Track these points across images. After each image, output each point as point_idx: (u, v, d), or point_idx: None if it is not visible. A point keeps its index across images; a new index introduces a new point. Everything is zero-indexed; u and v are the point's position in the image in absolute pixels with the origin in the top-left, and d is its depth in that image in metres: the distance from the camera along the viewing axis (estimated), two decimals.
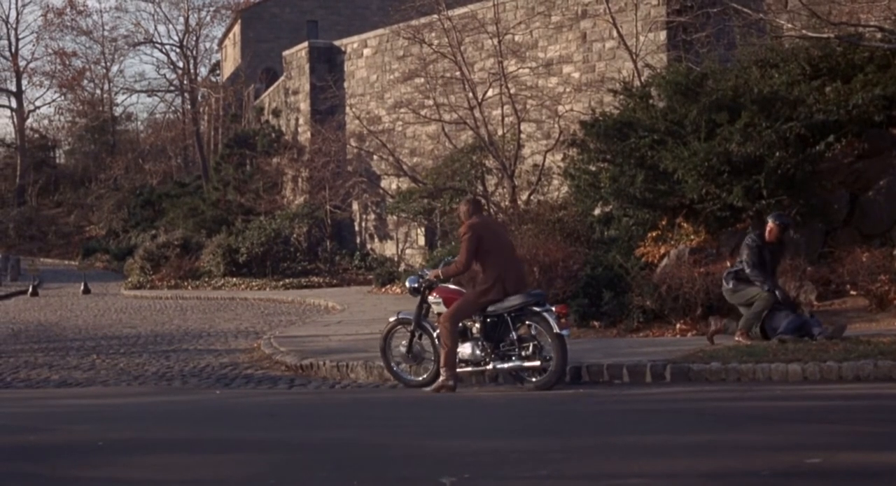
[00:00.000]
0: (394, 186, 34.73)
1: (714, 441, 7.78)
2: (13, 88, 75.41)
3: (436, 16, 28.22)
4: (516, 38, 29.18)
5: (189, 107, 63.17)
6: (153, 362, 16.80)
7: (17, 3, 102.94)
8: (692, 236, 16.87)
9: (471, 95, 26.42)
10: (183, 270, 37.77)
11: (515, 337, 11.79)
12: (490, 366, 11.92)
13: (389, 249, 36.38)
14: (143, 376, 15.22)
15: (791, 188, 16.17)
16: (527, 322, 11.80)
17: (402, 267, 32.98)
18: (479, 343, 11.91)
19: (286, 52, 42.17)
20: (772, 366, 11.57)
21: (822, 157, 16.31)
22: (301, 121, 40.35)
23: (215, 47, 71.44)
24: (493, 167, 28.39)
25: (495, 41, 26.98)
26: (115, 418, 10.55)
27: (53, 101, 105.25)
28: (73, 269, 49.49)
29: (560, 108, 27.28)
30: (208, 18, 68.59)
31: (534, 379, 11.79)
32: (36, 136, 75.31)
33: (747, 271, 13.46)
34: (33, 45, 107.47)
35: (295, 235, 37.30)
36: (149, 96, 72.35)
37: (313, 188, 37.88)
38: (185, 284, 36.75)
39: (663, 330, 15.47)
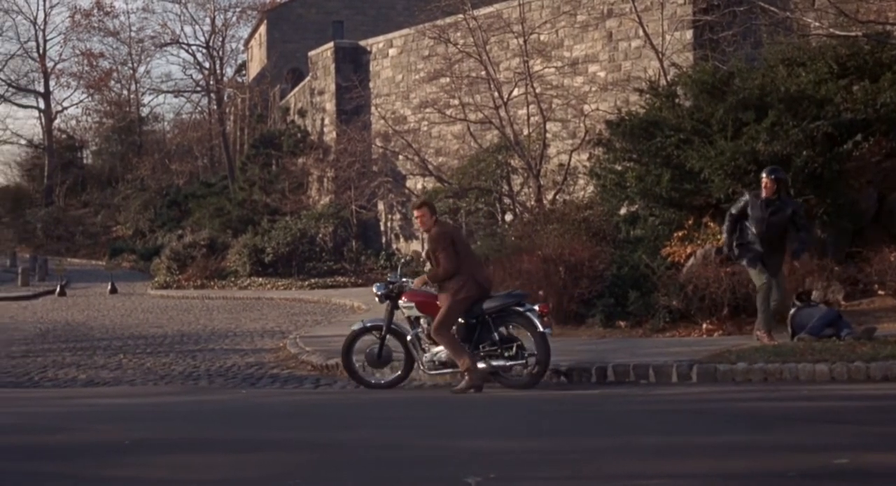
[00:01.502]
0: (419, 186, 34.74)
1: (740, 442, 7.74)
2: (41, 89, 75.96)
3: (461, 15, 28.18)
4: (542, 37, 29.13)
5: (215, 107, 63.30)
6: (179, 361, 16.86)
7: (44, 5, 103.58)
8: (719, 236, 16.77)
9: (496, 94, 26.38)
10: (209, 270, 37.91)
11: (499, 338, 11.98)
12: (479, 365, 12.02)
13: (415, 248, 36.37)
14: (169, 376, 15.28)
15: (818, 187, 16.06)
16: (510, 323, 12.12)
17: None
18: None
19: (312, 53, 42.23)
20: (799, 366, 11.51)
21: (849, 156, 16.18)
22: (327, 121, 40.39)
23: (241, 48, 71.70)
24: (519, 167, 28.35)
25: (521, 41, 26.93)
26: (141, 417, 10.59)
27: (81, 101, 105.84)
28: (101, 269, 49.73)
29: (586, 107, 27.23)
30: (234, 19, 68.92)
31: (513, 379, 12.06)
32: (63, 136, 75.69)
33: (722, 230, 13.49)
34: (61, 47, 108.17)
35: (320, 235, 37.37)
36: (175, 97, 72.72)
37: (339, 188, 37.92)
38: (212, 284, 36.87)
39: (689, 330, 15.41)
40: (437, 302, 12.02)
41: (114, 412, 11.11)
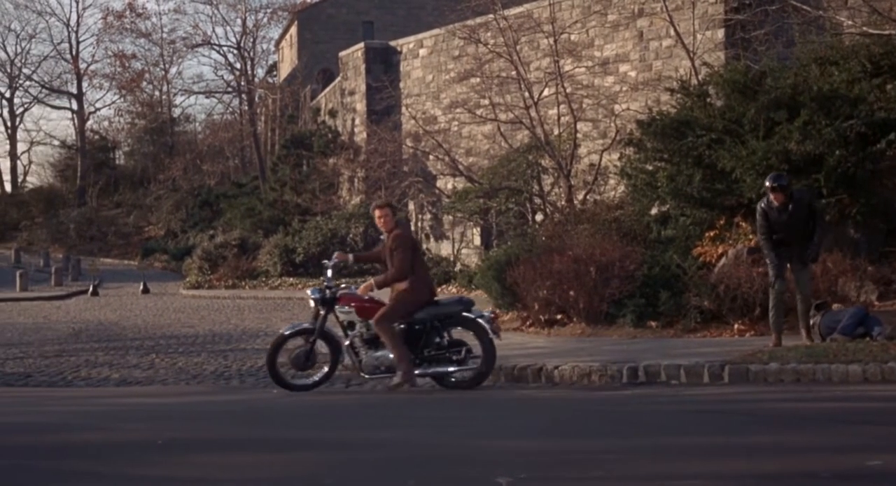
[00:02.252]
0: (449, 186, 34.74)
1: (772, 443, 7.70)
2: (74, 90, 76.47)
3: (491, 15, 28.16)
4: (572, 37, 29.08)
5: (246, 108, 63.54)
6: (211, 361, 16.93)
7: (77, 7, 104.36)
8: (750, 236, 16.69)
9: (527, 94, 26.35)
10: (240, 270, 38.02)
11: (447, 342, 12.22)
12: (417, 371, 12.15)
13: (445, 248, 36.38)
14: (201, 375, 15.34)
15: (851, 187, 15.97)
16: (455, 328, 12.34)
17: (458, 267, 32.98)
18: None
19: (342, 53, 42.32)
20: (831, 367, 11.44)
21: (882, 155, 16.08)
22: (357, 121, 40.46)
23: (272, 48, 71.89)
24: (549, 167, 28.31)
25: (551, 40, 26.89)
26: (173, 416, 10.64)
27: (113, 103, 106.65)
28: (133, 269, 50.01)
29: (616, 107, 27.16)
30: (265, 20, 68.78)
31: (453, 379, 12.28)
32: (96, 137, 76.13)
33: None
34: (93, 48, 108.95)
35: (351, 236, 37.42)
36: (207, 98, 73.15)
37: (369, 188, 37.96)
38: (243, 284, 36.99)
39: (721, 331, 15.34)
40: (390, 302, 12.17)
41: (146, 411, 11.17)
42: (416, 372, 12.11)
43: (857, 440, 7.78)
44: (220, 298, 33.70)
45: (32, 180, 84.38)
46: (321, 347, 12.47)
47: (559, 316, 17.54)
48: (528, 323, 17.89)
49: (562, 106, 26.96)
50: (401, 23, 56.52)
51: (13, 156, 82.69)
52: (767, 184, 13.35)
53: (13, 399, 13.21)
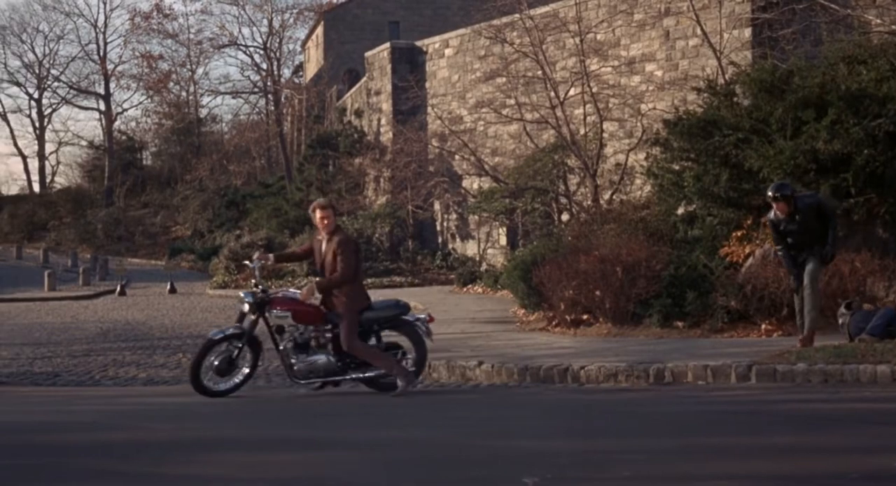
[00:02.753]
0: (475, 186, 34.74)
1: (800, 443, 7.66)
2: (101, 91, 76.86)
3: (517, 15, 28.16)
4: (598, 36, 29.03)
5: (273, 108, 63.72)
6: None
7: (105, 8, 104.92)
8: None
9: (552, 94, 26.33)
10: (266, 269, 38.08)
11: (384, 346, 12.04)
12: (350, 376, 11.92)
13: (471, 248, 36.39)
14: None
15: (880, 186, 15.87)
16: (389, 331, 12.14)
17: (484, 267, 32.98)
18: (332, 355, 11.80)
19: (368, 53, 42.38)
20: (860, 367, 11.37)
21: None
22: (383, 121, 40.51)
23: (298, 49, 72.05)
24: (575, 166, 28.28)
25: (577, 40, 26.87)
26: (199, 416, 10.68)
27: (140, 103, 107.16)
28: (160, 269, 50.17)
29: (643, 106, 27.11)
30: (291, 20, 69.11)
31: (386, 382, 11.93)
32: (123, 138, 76.47)
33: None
34: (121, 49, 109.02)
35: (377, 235, 37.50)
36: (233, 98, 73.25)
37: (395, 188, 38.02)
38: (269, 283, 37.02)
39: (748, 331, 15.27)
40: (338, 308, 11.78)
41: (173, 410, 11.21)
42: (352, 376, 11.84)
43: (886, 441, 7.73)
44: None
45: (60, 181, 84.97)
46: (245, 351, 11.91)
47: (585, 316, 17.50)
48: (553, 323, 17.86)
49: (588, 105, 26.93)
50: (427, 23, 56.55)
51: (41, 156, 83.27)
52: (769, 194, 13.31)
53: (42, 398, 13.29)
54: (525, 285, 19.34)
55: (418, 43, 39.61)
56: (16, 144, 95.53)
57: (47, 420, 10.10)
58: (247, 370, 12.02)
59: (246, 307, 11.92)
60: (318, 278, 12.04)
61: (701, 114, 18.06)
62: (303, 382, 12.00)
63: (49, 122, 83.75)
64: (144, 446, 8.41)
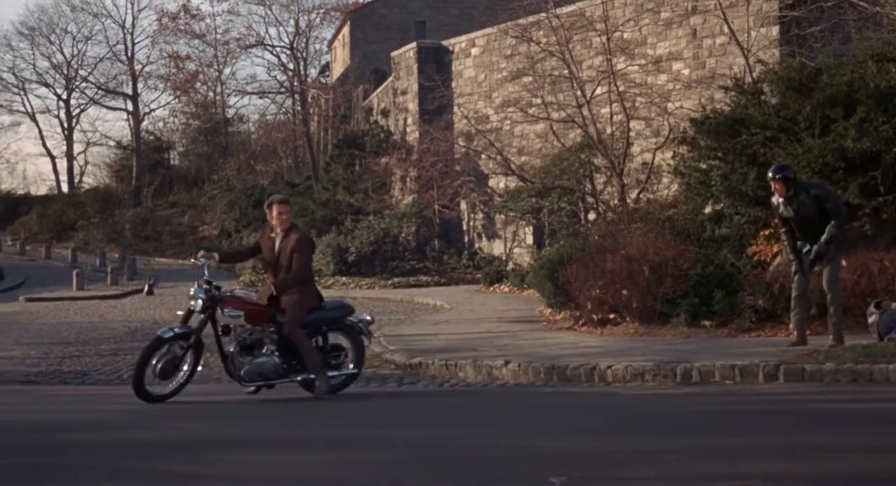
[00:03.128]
0: (502, 185, 34.71)
1: (829, 443, 7.62)
2: (129, 91, 77.29)
3: (543, 14, 28.10)
4: (625, 35, 28.95)
5: (299, 108, 63.77)
6: None
7: (133, 9, 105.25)
8: None
9: (579, 93, 26.27)
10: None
11: (329, 347, 11.85)
12: (299, 377, 11.59)
13: (497, 248, 36.36)
14: None
15: None
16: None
17: (510, 266, 32.96)
18: (277, 357, 11.46)
19: (395, 53, 42.40)
20: (889, 367, 11.29)
21: None
22: (409, 121, 40.54)
23: (325, 49, 72.15)
24: (602, 165, 28.20)
25: (604, 39, 26.79)
26: (228, 415, 10.72)
27: (168, 103, 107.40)
28: (187, 268, 50.17)
29: (669, 105, 27.01)
30: (318, 20, 68.98)
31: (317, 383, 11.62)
32: (151, 138, 76.83)
33: None
34: (148, 49, 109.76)
35: (403, 235, 37.53)
36: (260, 98, 73.29)
37: (421, 188, 38.05)
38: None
39: (776, 330, 15.18)
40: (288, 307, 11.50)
41: (201, 409, 11.24)
42: (299, 378, 11.54)
43: None
44: None
45: (88, 181, 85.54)
46: (188, 353, 11.42)
47: (612, 315, 17.46)
48: (580, 322, 17.83)
49: (614, 104, 26.85)
50: (453, 22, 56.55)
51: (70, 157, 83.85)
52: (769, 174, 13.29)
53: (70, 397, 13.37)
54: (551, 284, 19.31)
55: (445, 42, 39.61)
56: (44, 145, 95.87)
57: (76, 419, 10.15)
58: (186, 373, 11.44)
59: (199, 305, 11.42)
60: (273, 279, 11.72)
61: (728, 112, 17.98)
62: (251, 384, 11.54)
63: (77, 122, 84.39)
64: (174, 445, 8.45)
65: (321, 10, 67.42)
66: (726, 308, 15.85)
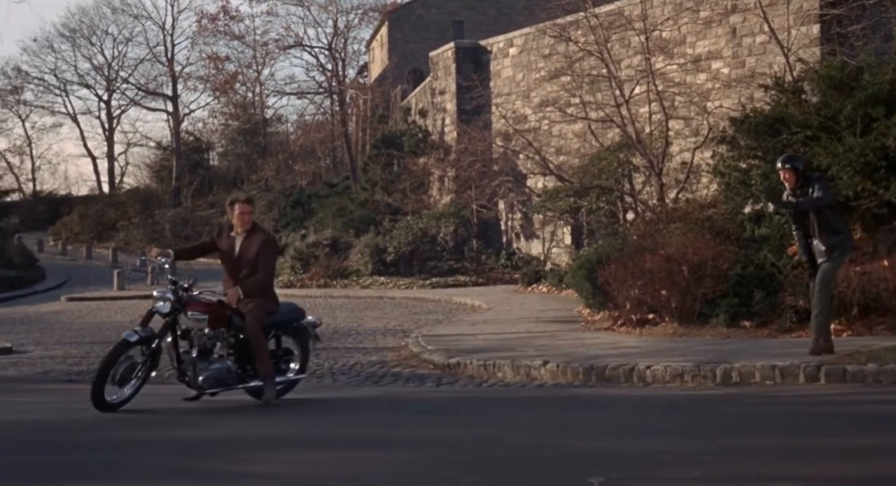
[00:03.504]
0: (540, 185, 34.65)
1: (870, 445, 7.57)
2: (169, 92, 77.81)
3: (582, 13, 28.03)
4: (664, 34, 28.83)
5: (338, 108, 63.97)
6: None
7: (172, 10, 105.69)
8: None
9: (618, 92, 26.19)
10: (332, 269, 38.29)
11: (281, 351, 11.62)
12: (253, 383, 11.16)
13: (535, 248, 36.31)
14: None
15: None
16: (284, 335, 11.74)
17: (549, 266, 32.90)
18: (232, 363, 11.02)
19: (432, 53, 42.43)
20: None
21: None
22: (447, 121, 40.56)
23: (363, 49, 72.30)
24: (641, 165, 28.10)
25: (642, 38, 26.69)
26: (266, 414, 10.76)
27: (207, 104, 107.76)
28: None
29: (709, 104, 26.87)
30: (356, 21, 69.10)
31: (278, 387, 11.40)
32: (191, 138, 77.33)
33: None
34: (188, 51, 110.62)
35: (441, 235, 37.55)
36: (298, 98, 73.59)
37: (459, 188, 38.05)
38: (334, 283, 37.25)
39: None
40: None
41: (242, 408, 11.30)
42: (252, 384, 11.14)
43: None
44: (311, 297, 33.97)
45: (129, 181, 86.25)
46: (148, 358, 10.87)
47: (651, 316, 17.41)
48: (619, 323, 17.78)
49: (653, 104, 26.75)
50: (491, 22, 56.49)
51: (110, 157, 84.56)
52: (777, 164, 13.15)
53: None
54: (590, 284, 19.27)
55: (482, 42, 39.59)
56: (86, 146, 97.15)
57: (115, 418, 10.23)
58: (140, 380, 10.83)
59: (167, 307, 10.76)
60: (234, 280, 11.32)
61: (768, 111, 17.87)
62: (209, 391, 11.00)
63: (118, 123, 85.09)
64: (216, 443, 8.50)
65: (359, 11, 67.57)
66: (766, 309, 15.76)
